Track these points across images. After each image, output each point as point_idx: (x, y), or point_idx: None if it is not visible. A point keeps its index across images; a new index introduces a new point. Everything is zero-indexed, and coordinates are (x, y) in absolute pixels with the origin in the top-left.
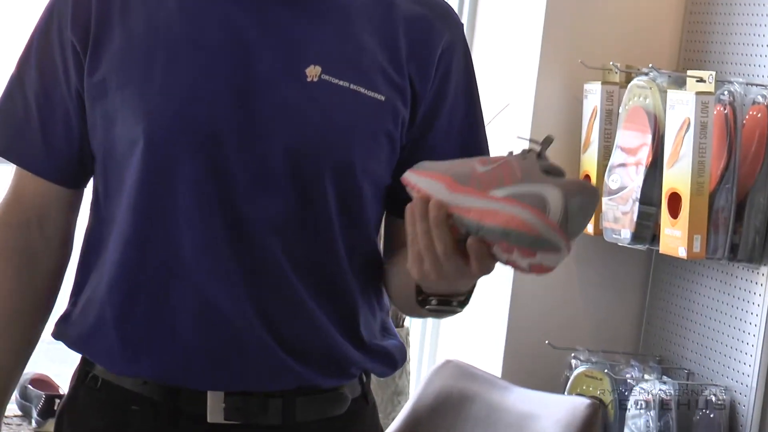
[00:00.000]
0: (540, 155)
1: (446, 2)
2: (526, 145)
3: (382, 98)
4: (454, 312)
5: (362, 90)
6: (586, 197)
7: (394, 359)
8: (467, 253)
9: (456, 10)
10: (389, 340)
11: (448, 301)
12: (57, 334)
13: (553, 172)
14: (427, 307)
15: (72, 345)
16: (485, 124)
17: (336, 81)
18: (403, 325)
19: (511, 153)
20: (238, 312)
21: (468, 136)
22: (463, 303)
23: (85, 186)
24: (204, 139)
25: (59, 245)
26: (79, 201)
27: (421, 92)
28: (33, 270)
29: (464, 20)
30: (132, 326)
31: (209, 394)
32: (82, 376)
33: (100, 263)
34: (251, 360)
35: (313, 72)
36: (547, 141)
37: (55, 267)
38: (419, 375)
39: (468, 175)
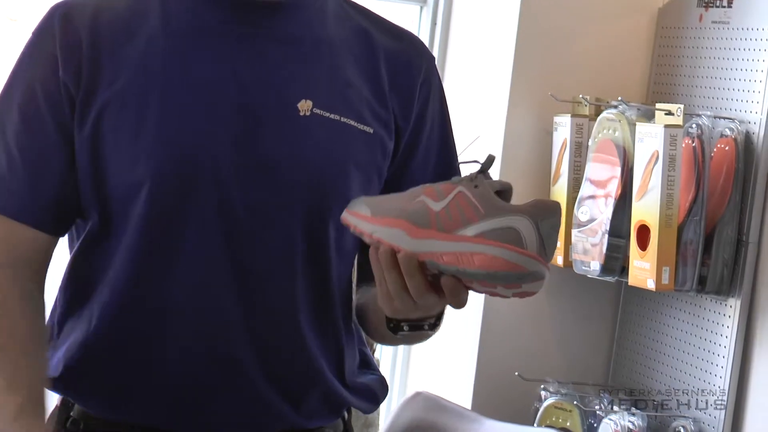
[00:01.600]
0: (484, 174)
1: (415, 35)
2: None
3: (371, 131)
4: (426, 336)
5: (352, 123)
6: (553, 216)
7: (375, 395)
8: (440, 287)
9: (428, 43)
10: (369, 375)
11: (420, 325)
12: None
13: (503, 191)
14: (400, 333)
15: (53, 387)
16: (456, 151)
17: (327, 114)
18: (373, 357)
19: (454, 179)
20: (231, 352)
21: (443, 167)
22: (435, 326)
23: (65, 233)
24: (204, 180)
25: (39, 295)
26: (54, 249)
27: (403, 126)
28: (36, 305)
29: (435, 53)
30: (123, 368)
31: None
32: (61, 419)
33: (89, 305)
34: (242, 401)
35: (304, 106)
36: (490, 160)
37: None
38: (389, 407)
39: (425, 215)
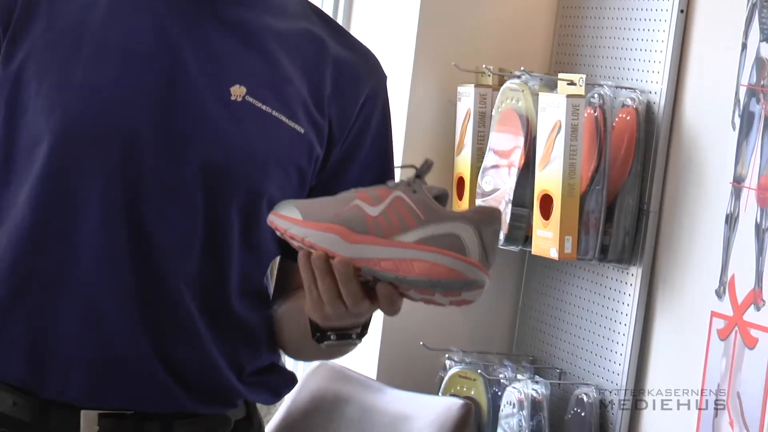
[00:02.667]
0: (420, 179)
1: (372, 52)
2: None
3: (302, 130)
4: (353, 345)
5: (284, 118)
6: (495, 223)
7: (278, 389)
8: (374, 293)
9: (331, 11)
10: (276, 373)
11: (347, 334)
12: None
13: (440, 197)
14: (326, 343)
15: None
16: (395, 174)
17: (259, 105)
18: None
19: (389, 183)
20: (126, 328)
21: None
22: (362, 335)
23: None
24: (119, 140)
25: None
26: None
27: (338, 136)
28: None
29: (339, 21)
30: (12, 326)
31: (82, 414)
32: None
33: None
34: (133, 379)
35: (237, 91)
36: (427, 165)
37: None
38: None
39: (361, 220)
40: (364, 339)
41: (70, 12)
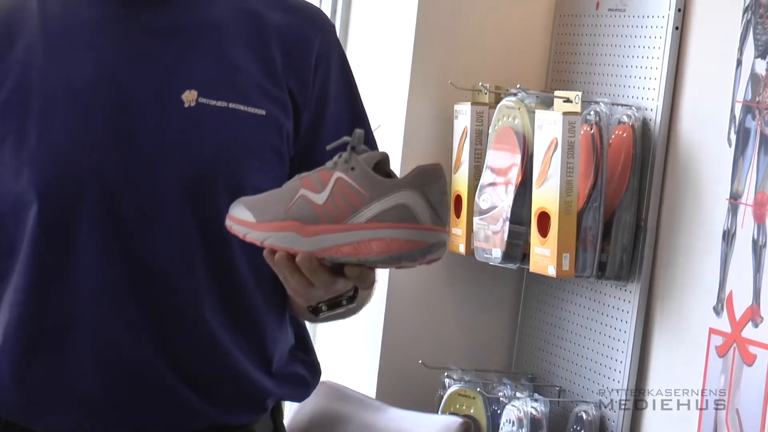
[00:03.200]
0: (356, 151)
1: (315, 6)
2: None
3: (263, 113)
4: (348, 310)
5: (241, 107)
6: (438, 179)
7: (306, 380)
8: (344, 272)
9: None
10: (300, 363)
11: (338, 302)
12: None
13: (380, 162)
14: (320, 315)
15: None
16: (369, 120)
17: (214, 102)
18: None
19: (328, 164)
20: (140, 356)
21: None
22: (353, 298)
23: None
24: (90, 184)
25: None
26: None
27: (302, 102)
28: None
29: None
30: (32, 383)
31: None
32: None
33: None
34: (157, 404)
35: (189, 97)
36: (358, 136)
37: None
38: None
39: (311, 211)
40: (357, 302)
41: (13, 71)
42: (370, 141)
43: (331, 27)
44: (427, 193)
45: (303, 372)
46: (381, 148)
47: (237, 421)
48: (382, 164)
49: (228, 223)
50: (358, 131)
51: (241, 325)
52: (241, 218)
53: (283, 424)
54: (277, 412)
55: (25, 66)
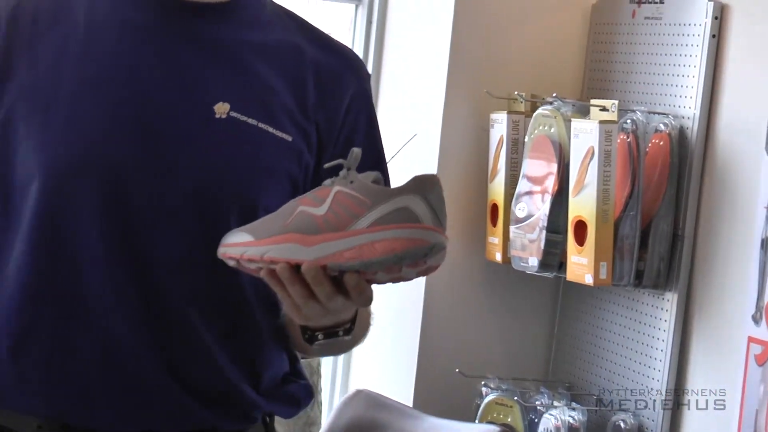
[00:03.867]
0: (352, 171)
1: (354, 54)
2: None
3: (289, 138)
4: (343, 344)
5: (270, 129)
6: (436, 187)
7: (297, 400)
8: (344, 287)
9: (363, 40)
10: (293, 384)
11: (335, 332)
12: None
13: (376, 182)
14: (316, 343)
15: None
16: (387, 162)
17: (245, 119)
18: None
19: (326, 182)
20: (139, 351)
21: None
22: (349, 331)
23: None
24: (106, 175)
25: None
26: None
27: (327, 140)
28: None
29: (371, 50)
30: (29, 362)
31: None
32: None
33: None
34: (151, 401)
35: (221, 109)
36: (355, 156)
37: None
38: (331, 405)
39: (311, 223)
40: (353, 337)
41: (50, 51)
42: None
43: (367, 76)
44: (428, 198)
45: (295, 391)
46: (416, 157)
47: (228, 427)
48: (376, 183)
49: (221, 251)
50: (355, 150)
51: (232, 337)
52: (237, 241)
53: (275, 429)
54: (269, 418)
55: (61, 53)
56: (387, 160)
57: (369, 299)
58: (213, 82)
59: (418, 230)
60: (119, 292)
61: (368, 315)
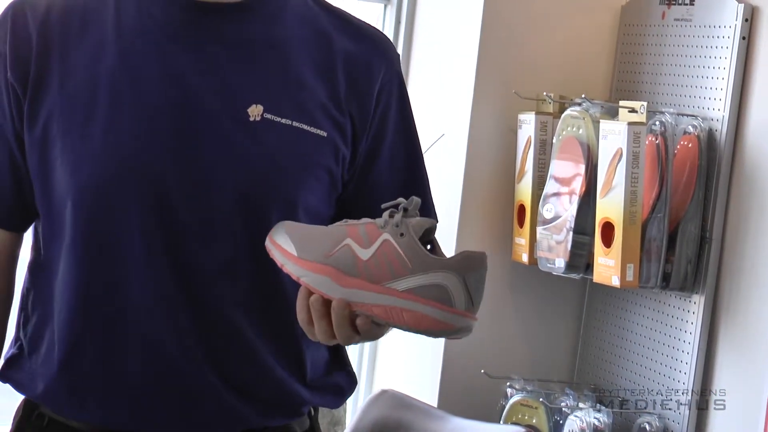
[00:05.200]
0: (407, 216)
1: (383, 34)
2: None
3: (324, 134)
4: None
5: (305, 127)
6: (480, 268)
7: (341, 389)
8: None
9: (392, 41)
10: (336, 372)
11: None
12: (2, 377)
13: (429, 231)
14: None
15: (18, 388)
16: (423, 155)
17: (279, 119)
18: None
19: (378, 220)
20: (186, 357)
21: (409, 172)
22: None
23: (26, 230)
24: (148, 185)
25: (3, 288)
26: (20, 245)
27: (361, 130)
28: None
29: (400, 51)
30: (79, 373)
31: None
32: (27, 412)
33: (45, 309)
34: (200, 404)
35: (255, 111)
36: (414, 204)
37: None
38: (356, 405)
39: (353, 263)
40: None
41: (82, 65)
42: (423, 181)
43: (396, 57)
44: (467, 279)
45: (340, 381)
46: (444, 157)
47: (276, 424)
48: (430, 232)
49: (268, 245)
50: (416, 199)
51: (278, 335)
52: (283, 247)
53: (318, 422)
54: (314, 412)
55: (95, 61)
56: (421, 147)
57: (377, 337)
58: (245, 84)
59: (447, 313)
60: (165, 300)
61: None
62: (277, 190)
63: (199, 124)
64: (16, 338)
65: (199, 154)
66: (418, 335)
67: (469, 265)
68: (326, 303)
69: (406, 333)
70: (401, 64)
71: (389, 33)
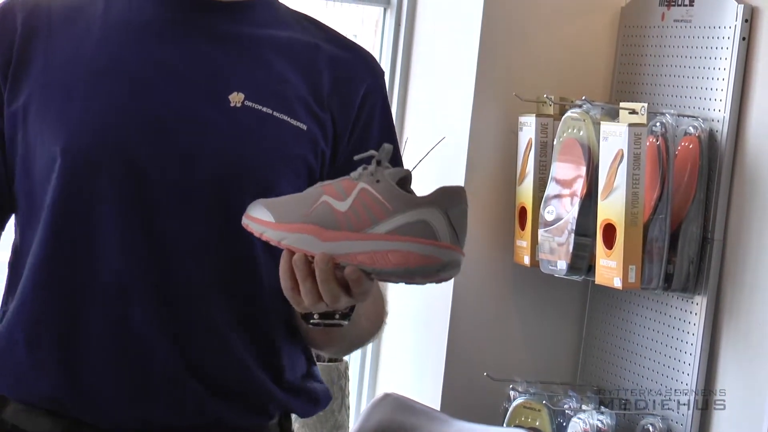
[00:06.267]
0: (381, 165)
1: (369, 53)
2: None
3: (304, 127)
4: (339, 325)
5: (285, 117)
6: (461, 202)
7: (316, 397)
8: (345, 281)
9: (391, 43)
10: (312, 382)
11: (331, 314)
12: None
13: (403, 179)
14: (311, 321)
15: None
16: (402, 157)
17: (259, 107)
18: (341, 359)
19: (353, 174)
20: (154, 340)
21: None
22: (347, 316)
23: (8, 215)
24: (123, 161)
25: None
26: (2, 228)
27: (341, 131)
28: None
29: (399, 53)
30: (42, 348)
31: None
32: None
33: (18, 287)
34: (162, 390)
35: (236, 98)
36: (386, 151)
37: None
38: (358, 408)
39: (332, 217)
40: (351, 320)
41: (65, 47)
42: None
43: (382, 74)
44: (449, 213)
45: (316, 389)
46: (445, 159)
47: (243, 422)
48: (405, 181)
49: (245, 221)
50: (387, 146)
51: (252, 325)
52: (260, 217)
53: (291, 427)
54: (286, 421)
55: (78, 48)
56: (402, 155)
57: (367, 292)
58: (228, 72)
59: (433, 247)
60: (135, 278)
61: (381, 310)
62: (252, 173)
63: (178, 106)
64: None
65: (176, 135)
66: (413, 281)
67: (450, 199)
68: (309, 261)
69: (406, 333)
70: (401, 68)
71: (389, 36)
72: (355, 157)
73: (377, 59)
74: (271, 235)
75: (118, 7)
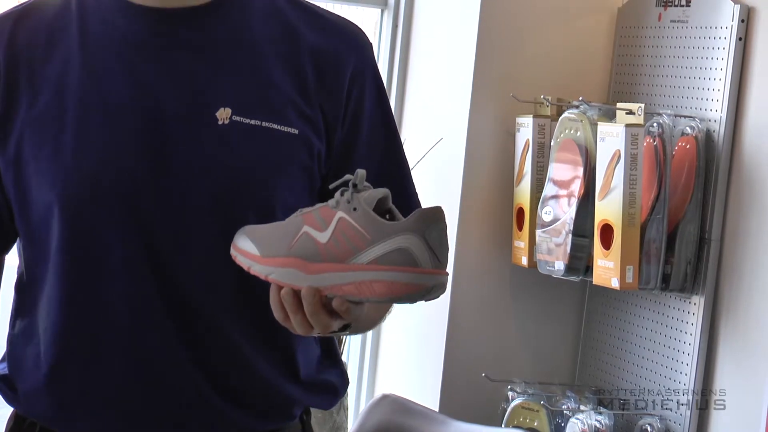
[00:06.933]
0: (357, 190)
1: (353, 25)
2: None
3: (296, 132)
4: (340, 335)
5: (275, 126)
6: (438, 223)
7: (335, 388)
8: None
9: (389, 44)
10: (329, 370)
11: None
12: None
13: (380, 202)
14: (312, 334)
15: (11, 402)
16: (400, 141)
17: (247, 121)
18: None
19: (330, 202)
20: (173, 366)
21: (388, 161)
22: (347, 326)
23: (7, 251)
24: (121, 198)
25: None
26: (2, 264)
27: (333, 122)
28: None
29: (397, 55)
30: (65, 390)
31: None
32: (18, 421)
33: (30, 328)
34: (190, 412)
35: (223, 114)
36: (360, 176)
37: None
38: (357, 410)
39: (314, 249)
40: (349, 329)
41: (50, 81)
42: (404, 170)
43: (369, 47)
44: (427, 237)
45: (333, 379)
46: (442, 161)
47: (266, 428)
48: (383, 202)
49: (233, 252)
50: (360, 171)
51: (266, 336)
52: (246, 250)
53: (311, 427)
54: (306, 416)
55: (62, 78)
56: (400, 138)
57: (360, 316)
58: (211, 87)
59: (416, 275)
60: (149, 310)
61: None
62: (250, 194)
63: (168, 132)
64: (3, 359)
65: (169, 163)
66: (400, 304)
67: (426, 222)
68: (297, 294)
69: (405, 334)
70: (399, 69)
71: (386, 37)
72: (330, 186)
73: (361, 31)
74: (258, 270)
75: (92, 28)
